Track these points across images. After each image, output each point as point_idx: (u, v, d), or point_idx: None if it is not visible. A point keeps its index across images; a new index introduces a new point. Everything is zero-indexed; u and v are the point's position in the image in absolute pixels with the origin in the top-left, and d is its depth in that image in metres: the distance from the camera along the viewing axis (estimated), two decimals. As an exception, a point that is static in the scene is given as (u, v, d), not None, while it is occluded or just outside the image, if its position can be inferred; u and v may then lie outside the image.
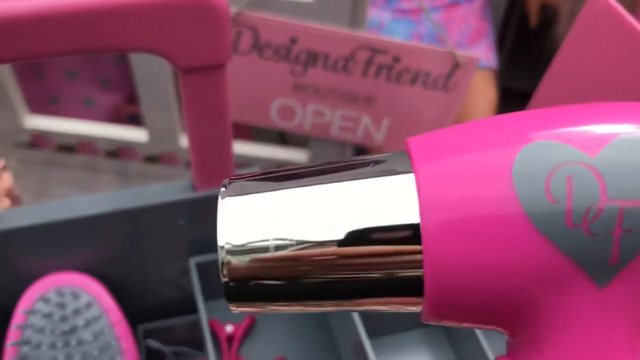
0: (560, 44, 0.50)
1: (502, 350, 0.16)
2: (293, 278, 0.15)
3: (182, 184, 0.36)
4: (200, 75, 0.30)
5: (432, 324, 0.16)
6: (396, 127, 0.48)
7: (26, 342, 0.33)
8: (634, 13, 0.43)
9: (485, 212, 0.14)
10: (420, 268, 0.14)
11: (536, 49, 0.53)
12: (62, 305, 0.34)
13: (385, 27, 0.51)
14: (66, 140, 0.51)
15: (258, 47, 0.44)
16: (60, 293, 0.34)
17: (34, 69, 0.58)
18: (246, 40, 0.44)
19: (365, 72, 0.45)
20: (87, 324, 0.34)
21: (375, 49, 0.43)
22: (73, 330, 0.33)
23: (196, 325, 0.38)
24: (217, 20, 0.28)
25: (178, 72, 0.30)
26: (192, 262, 0.36)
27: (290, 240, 0.15)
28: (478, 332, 0.33)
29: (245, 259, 0.14)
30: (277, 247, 0.14)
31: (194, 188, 0.35)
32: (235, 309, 0.16)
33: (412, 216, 0.14)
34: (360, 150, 0.52)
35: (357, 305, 0.16)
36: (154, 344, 0.38)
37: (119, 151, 0.52)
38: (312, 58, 0.44)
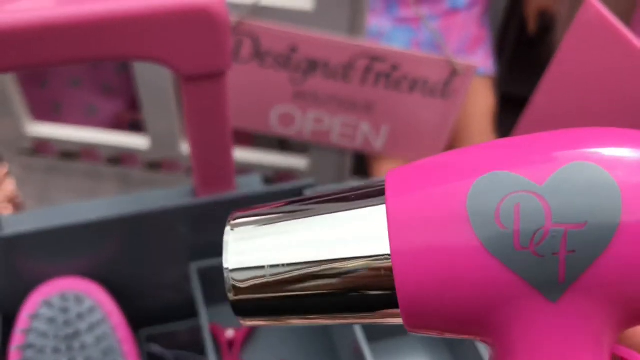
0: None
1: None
2: (286, 296, 0.18)
3: (183, 189, 0.36)
4: (201, 82, 0.30)
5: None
6: (395, 134, 0.49)
7: (30, 346, 0.33)
8: (628, 23, 0.44)
9: (444, 239, 0.16)
10: (393, 286, 0.16)
11: (535, 55, 0.53)
12: (65, 310, 0.34)
13: (385, 35, 0.51)
14: (68, 147, 0.52)
15: (258, 55, 0.45)
16: (63, 298, 0.34)
17: (37, 77, 0.59)
18: (247, 49, 0.45)
19: (364, 80, 0.45)
20: (90, 328, 0.34)
21: (374, 57, 0.44)
22: (76, 334, 0.34)
23: (197, 330, 0.39)
24: (217, 29, 0.28)
25: (179, 80, 0.30)
26: (194, 267, 0.37)
27: (282, 264, 0.18)
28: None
29: (247, 280, 0.18)
30: (272, 268, 0.18)
31: (195, 194, 0.36)
32: (243, 322, 0.19)
33: (383, 241, 0.16)
34: (360, 156, 0.53)
35: (346, 319, 0.18)
36: (156, 348, 0.38)
37: (120, 158, 0.52)
38: (311, 66, 0.45)
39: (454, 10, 0.52)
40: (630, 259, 0.15)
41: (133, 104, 0.61)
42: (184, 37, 0.28)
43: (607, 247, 0.15)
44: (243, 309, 0.18)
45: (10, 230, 0.33)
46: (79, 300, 0.35)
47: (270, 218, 0.18)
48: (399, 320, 0.17)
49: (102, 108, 0.60)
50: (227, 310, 0.39)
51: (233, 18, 0.43)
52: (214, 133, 0.32)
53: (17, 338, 0.33)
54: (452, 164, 0.17)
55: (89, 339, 0.34)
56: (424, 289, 0.16)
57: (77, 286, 0.35)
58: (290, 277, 0.18)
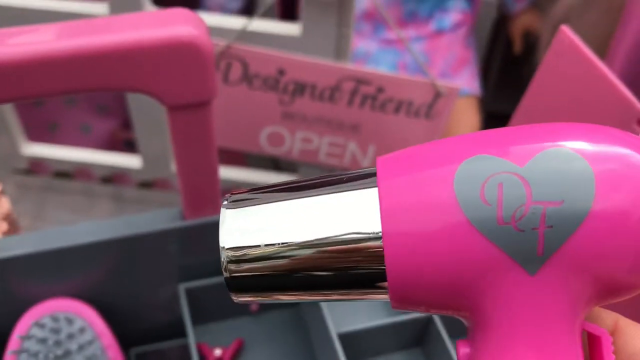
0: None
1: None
2: (281, 274, 0.19)
3: (172, 212, 0.37)
4: (186, 112, 0.31)
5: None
6: (382, 153, 0.50)
7: (21, 367, 0.34)
8: (603, 56, 0.45)
9: (434, 217, 0.17)
10: (383, 265, 0.18)
11: (520, 74, 0.55)
12: (56, 330, 0.35)
13: (372, 57, 0.53)
14: (63, 167, 0.53)
15: (247, 78, 0.46)
16: (54, 318, 0.35)
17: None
18: (236, 72, 0.46)
19: (350, 102, 0.46)
20: (81, 348, 0.35)
21: (359, 80, 0.45)
22: (67, 354, 0.35)
23: (186, 349, 0.40)
24: (203, 61, 0.29)
25: (166, 109, 0.31)
26: (182, 287, 0.37)
27: (276, 242, 0.18)
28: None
29: (241, 257, 0.18)
30: (266, 246, 0.18)
31: (183, 216, 0.37)
32: (235, 298, 0.20)
33: (375, 223, 0.18)
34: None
35: (336, 295, 0.19)
36: (145, 366, 0.39)
37: (114, 177, 0.53)
38: (299, 88, 0.46)
39: (439, 32, 0.54)
40: (602, 234, 0.16)
41: (127, 122, 0.62)
42: (170, 69, 0.29)
43: (582, 224, 0.16)
44: (237, 286, 0.19)
45: (4, 252, 0.34)
46: (69, 320, 0.36)
47: (265, 198, 0.19)
48: (385, 297, 0.18)
49: (97, 127, 0.61)
50: (215, 329, 0.40)
51: (222, 42, 0.44)
52: (200, 159, 0.33)
53: (9, 359, 0.34)
54: (440, 149, 0.18)
55: (79, 359, 0.35)
56: (413, 266, 0.17)
57: (68, 307, 0.36)
58: (285, 256, 0.18)
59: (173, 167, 0.52)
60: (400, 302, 0.18)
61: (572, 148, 0.17)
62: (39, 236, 0.37)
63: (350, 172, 0.19)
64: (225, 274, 0.19)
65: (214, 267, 0.38)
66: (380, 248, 0.18)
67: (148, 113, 0.48)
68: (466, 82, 0.54)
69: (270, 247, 0.18)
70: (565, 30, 0.33)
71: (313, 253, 0.18)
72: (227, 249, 0.19)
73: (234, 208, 0.19)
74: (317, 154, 0.50)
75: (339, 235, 0.18)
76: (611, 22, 0.47)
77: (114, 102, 0.62)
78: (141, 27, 0.29)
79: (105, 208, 0.56)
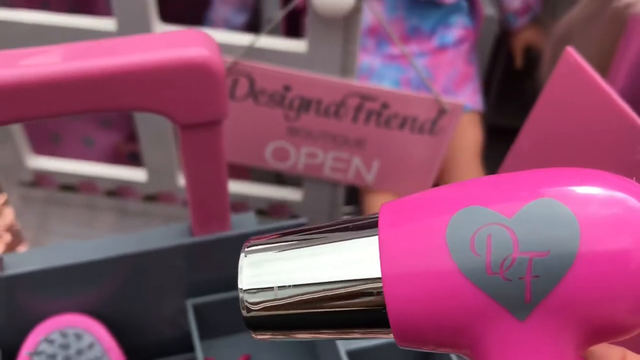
0: (542, 87, 0.52)
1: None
2: (293, 313, 0.20)
3: (180, 228, 0.38)
4: (197, 130, 0.32)
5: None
6: (386, 168, 0.50)
7: (30, 383, 0.34)
8: (605, 73, 0.45)
9: (427, 265, 0.19)
10: (384, 307, 0.19)
11: (522, 88, 0.55)
12: (65, 346, 0.35)
13: (376, 72, 0.53)
14: (68, 180, 0.53)
15: (254, 93, 0.46)
16: (63, 334, 0.36)
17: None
18: (242, 87, 0.46)
19: (355, 118, 0.47)
20: (89, 364, 0.35)
21: (364, 96, 0.46)
22: (75, 370, 0.35)
23: (193, 364, 0.40)
24: (214, 82, 0.30)
25: (177, 128, 0.32)
26: (189, 303, 0.38)
27: (288, 284, 0.20)
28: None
29: (257, 298, 0.20)
30: (279, 288, 0.20)
31: (191, 233, 0.37)
32: (254, 335, 0.21)
33: (375, 268, 0.19)
34: (353, 189, 0.54)
35: (346, 333, 0.21)
36: (152, 381, 0.39)
37: (118, 190, 0.53)
38: (305, 104, 0.47)
39: (442, 48, 0.54)
40: (588, 282, 0.17)
41: (131, 135, 0.62)
42: (182, 90, 0.30)
43: (567, 273, 0.17)
44: (255, 324, 0.21)
45: (13, 269, 0.34)
46: (78, 336, 0.36)
47: (279, 246, 0.21)
48: (390, 336, 0.20)
49: (100, 141, 0.61)
50: (222, 344, 0.40)
51: (230, 59, 0.44)
52: (210, 176, 0.34)
53: (18, 375, 0.34)
54: (435, 199, 0.20)
55: (87, 375, 0.35)
56: (410, 309, 0.19)
57: (76, 323, 0.36)
58: (296, 297, 0.20)
59: (178, 180, 0.52)
60: (404, 341, 0.20)
61: (558, 197, 0.18)
62: (47, 252, 0.37)
63: (355, 219, 0.21)
64: (244, 312, 0.20)
65: (222, 282, 0.38)
66: (381, 291, 0.19)
67: (154, 127, 0.48)
68: (469, 97, 0.55)
69: (282, 289, 0.20)
70: (571, 51, 0.34)
71: (322, 295, 0.20)
72: (245, 290, 0.20)
73: (252, 254, 0.21)
74: (321, 168, 0.50)
75: (344, 279, 0.20)
76: (613, 40, 0.47)
77: (118, 115, 0.62)
78: (155, 48, 0.29)
79: (109, 221, 0.56)
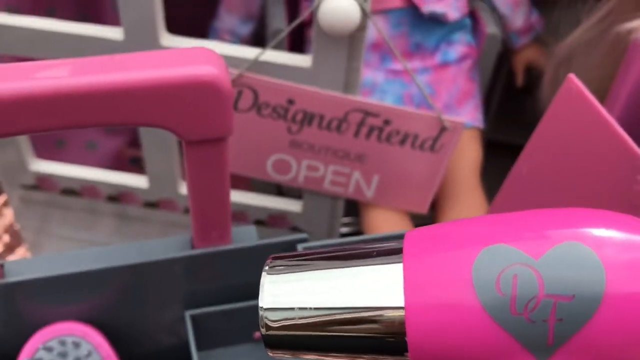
0: (542, 106, 0.53)
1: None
2: (311, 335, 0.20)
3: (181, 239, 0.38)
4: (203, 146, 0.32)
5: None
6: (386, 184, 0.50)
7: (28, 390, 0.34)
8: (605, 97, 0.46)
9: (451, 299, 0.19)
10: (404, 338, 0.19)
11: (522, 107, 0.56)
12: (63, 354, 0.36)
13: (379, 87, 0.54)
14: (70, 184, 0.53)
15: (257, 105, 0.47)
16: (62, 342, 0.36)
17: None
18: (246, 99, 0.47)
19: (357, 133, 0.47)
20: (86, 372, 0.36)
21: (367, 112, 0.46)
22: (73, 378, 0.35)
23: (189, 374, 0.40)
24: (221, 100, 0.30)
25: (183, 143, 0.32)
26: (187, 314, 0.38)
27: (309, 306, 0.20)
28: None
29: (277, 318, 0.20)
30: (300, 309, 0.20)
31: (192, 245, 0.37)
32: (271, 353, 0.21)
33: (399, 296, 0.19)
34: (352, 202, 0.54)
35: (362, 358, 0.20)
36: (148, 390, 0.40)
37: (119, 196, 0.54)
38: (308, 118, 0.47)
39: (444, 65, 0.55)
40: (611, 327, 0.17)
41: (134, 141, 0.62)
42: (190, 107, 0.30)
43: (591, 319, 0.17)
44: (272, 343, 0.21)
45: (13, 277, 0.35)
46: (76, 344, 0.36)
47: (302, 266, 0.21)
48: None
49: (103, 145, 0.61)
50: (218, 355, 0.41)
51: (235, 71, 0.45)
52: (213, 191, 0.34)
53: (16, 382, 0.35)
54: (463, 232, 0.20)
55: (85, 383, 0.35)
56: (431, 341, 0.19)
57: (75, 331, 0.36)
58: (315, 319, 0.20)
59: (179, 188, 0.52)
60: None
61: (584, 240, 0.18)
62: (47, 259, 0.37)
63: (380, 245, 0.21)
64: (263, 330, 0.21)
65: (220, 294, 0.39)
66: (403, 320, 0.19)
67: (157, 134, 0.49)
68: (469, 114, 0.55)
69: (303, 310, 0.20)
70: (573, 78, 0.34)
71: (342, 319, 0.20)
72: (265, 309, 0.20)
73: (274, 273, 0.21)
74: (322, 182, 0.51)
75: (366, 305, 0.20)
76: (614, 64, 0.48)
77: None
78: (164, 65, 0.29)
79: (109, 226, 0.56)
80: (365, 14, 0.41)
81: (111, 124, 0.30)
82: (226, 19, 0.57)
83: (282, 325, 0.20)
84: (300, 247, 0.37)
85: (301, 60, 0.45)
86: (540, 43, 0.61)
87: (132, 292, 0.37)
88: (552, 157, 0.35)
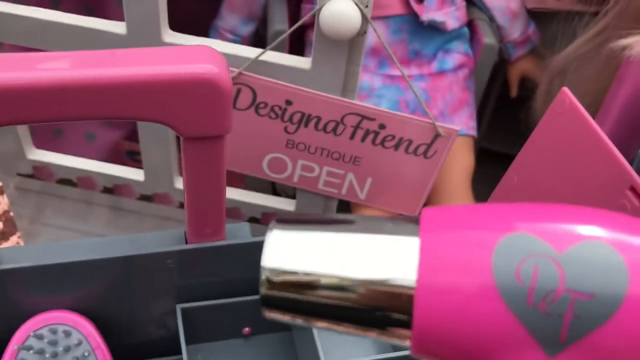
0: (535, 118, 0.53)
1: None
2: (313, 302, 0.19)
3: (175, 233, 0.39)
4: (201, 143, 0.33)
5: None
6: (379, 187, 0.51)
7: (18, 376, 0.35)
8: (597, 110, 0.47)
9: (467, 281, 0.18)
10: (411, 313, 0.18)
11: (515, 117, 0.57)
12: (54, 342, 0.36)
13: (375, 92, 0.54)
14: (66, 174, 0.54)
15: (255, 105, 0.47)
16: (52, 330, 0.36)
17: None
18: (245, 98, 0.47)
19: (353, 135, 0.48)
20: (76, 361, 0.36)
21: (363, 116, 0.47)
22: (62, 366, 0.36)
23: (177, 366, 0.41)
24: (220, 98, 0.31)
25: (181, 139, 0.33)
26: (178, 307, 0.39)
27: (313, 272, 0.19)
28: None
29: (279, 278, 0.20)
30: (304, 274, 0.19)
31: (185, 240, 0.38)
32: (267, 314, 0.21)
33: (412, 272, 0.18)
34: (345, 204, 0.55)
35: (362, 331, 0.20)
36: (136, 381, 0.40)
37: (115, 188, 0.54)
38: (305, 119, 0.48)
39: (441, 73, 0.56)
40: (627, 332, 0.17)
41: (132, 134, 0.63)
42: (190, 104, 0.31)
43: (608, 320, 0.17)
44: (269, 304, 0.20)
45: (6, 264, 0.35)
46: (67, 333, 0.37)
47: (310, 227, 0.20)
48: (407, 342, 0.19)
49: (102, 136, 0.62)
50: (207, 349, 0.41)
51: (235, 70, 0.45)
52: (209, 188, 0.35)
53: (7, 367, 0.35)
54: (485, 215, 0.19)
55: (74, 371, 0.36)
56: (438, 322, 0.18)
57: (66, 320, 0.37)
58: (320, 286, 0.19)
59: (175, 182, 0.53)
60: (420, 350, 0.19)
61: (609, 241, 0.18)
62: (41, 248, 0.38)
63: (393, 216, 0.20)
64: (261, 290, 0.20)
65: (211, 289, 0.39)
66: (412, 296, 0.18)
67: (155, 129, 0.49)
68: (464, 122, 0.56)
69: (307, 275, 0.19)
70: (567, 91, 0.35)
71: (348, 288, 0.19)
72: (267, 268, 0.20)
73: (281, 230, 0.20)
74: (316, 182, 0.51)
75: (375, 277, 0.19)
76: (607, 79, 0.49)
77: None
78: (166, 62, 0.30)
79: (103, 217, 0.57)
80: (365, 19, 0.42)
81: (111, 117, 0.30)
82: (228, 18, 0.57)
83: (283, 286, 0.19)
84: (292, 246, 0.38)
85: (301, 62, 0.46)
86: (537, 55, 0.62)
87: (124, 284, 0.37)
88: (543, 168, 0.36)
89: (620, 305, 0.17)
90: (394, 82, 0.54)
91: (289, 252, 0.20)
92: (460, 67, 0.56)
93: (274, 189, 0.61)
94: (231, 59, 0.45)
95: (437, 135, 0.47)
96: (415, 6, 0.53)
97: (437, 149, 0.48)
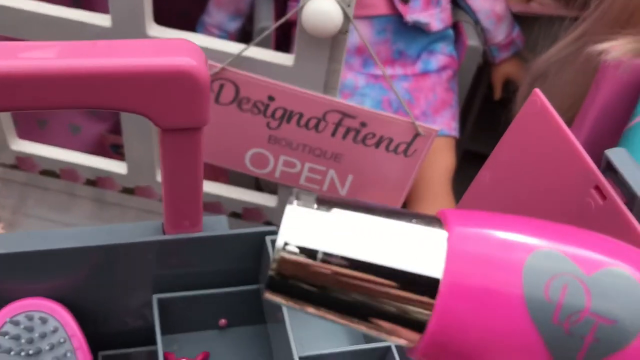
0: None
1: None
2: (327, 287, 0.18)
3: (153, 225, 0.39)
4: (178, 134, 0.33)
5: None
6: (359, 184, 0.52)
7: (-8, 362, 0.35)
8: (574, 114, 0.48)
9: (495, 285, 0.18)
10: (430, 313, 0.18)
11: (499, 119, 0.57)
12: (30, 329, 0.36)
13: (359, 90, 0.55)
14: (50, 166, 0.54)
15: (238, 100, 0.48)
16: (29, 317, 0.37)
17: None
18: (228, 93, 0.48)
19: (334, 133, 0.49)
20: (52, 348, 0.36)
21: (344, 113, 0.47)
22: (37, 353, 0.36)
23: (152, 356, 0.41)
24: (197, 90, 0.31)
25: (158, 130, 0.33)
26: (155, 298, 0.39)
27: (337, 254, 0.18)
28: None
29: (294, 258, 0.18)
30: (325, 255, 0.18)
31: (163, 231, 0.38)
32: (269, 297, 0.19)
33: (437, 267, 0.18)
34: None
35: (365, 326, 0.19)
36: (111, 370, 0.41)
37: (98, 180, 0.55)
38: (287, 115, 0.48)
39: (425, 73, 0.56)
40: None
41: (116, 127, 0.63)
42: (167, 96, 0.31)
43: (625, 348, 0.17)
44: (277, 285, 0.18)
45: (-14, 250, 0.35)
46: (43, 320, 0.37)
47: (335, 204, 0.18)
48: (412, 344, 0.19)
49: (87, 128, 0.62)
50: (182, 340, 0.42)
51: (218, 65, 0.46)
52: (186, 179, 0.35)
53: (-19, 353, 0.35)
54: (519, 224, 0.19)
55: (49, 358, 0.36)
56: (457, 323, 0.18)
57: (43, 307, 0.37)
58: (338, 270, 0.18)
59: (157, 176, 0.53)
60: (425, 354, 0.18)
61: (631, 273, 0.18)
62: (20, 237, 0.38)
63: (415, 212, 0.19)
64: (271, 271, 0.18)
65: (188, 281, 0.40)
66: (435, 292, 0.18)
67: (138, 122, 0.50)
68: (446, 123, 0.57)
69: (328, 257, 0.18)
70: (538, 93, 0.36)
71: (365, 276, 0.18)
72: (282, 245, 0.18)
73: (301, 206, 0.18)
74: (298, 178, 0.52)
75: (398, 265, 0.18)
76: (586, 82, 0.50)
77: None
78: (144, 53, 0.30)
79: (86, 209, 0.57)
80: (347, 18, 0.43)
81: (89, 107, 0.31)
82: (215, 14, 0.58)
83: (299, 267, 0.17)
84: (269, 240, 0.39)
85: (284, 59, 0.46)
86: (520, 58, 0.63)
87: (101, 273, 0.38)
88: (514, 167, 0.37)
89: (638, 334, 0.17)
90: (378, 81, 0.55)
91: (310, 228, 0.18)
92: (443, 68, 0.57)
93: (258, 185, 0.62)
94: (215, 54, 0.46)
95: (417, 135, 0.48)
96: (400, 7, 0.54)
97: (417, 148, 0.49)
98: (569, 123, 0.51)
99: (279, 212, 0.55)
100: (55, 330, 0.37)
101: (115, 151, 0.64)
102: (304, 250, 0.18)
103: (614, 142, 0.48)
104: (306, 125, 0.49)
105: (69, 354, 0.37)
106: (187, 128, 0.33)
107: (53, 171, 0.55)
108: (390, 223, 0.18)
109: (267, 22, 0.55)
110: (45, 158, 0.54)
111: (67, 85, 0.30)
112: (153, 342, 0.40)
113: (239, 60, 0.46)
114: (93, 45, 0.31)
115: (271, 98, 0.47)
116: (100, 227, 0.38)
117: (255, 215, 0.56)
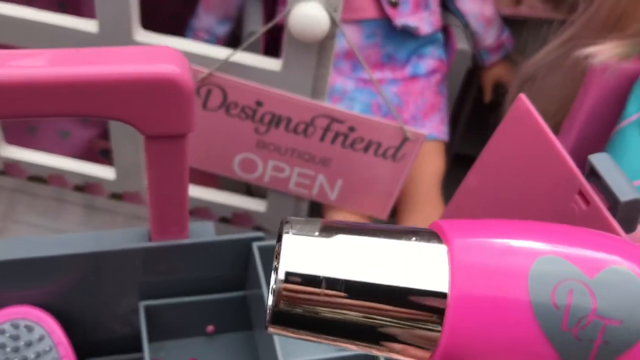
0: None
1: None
2: (333, 315, 0.18)
3: (139, 232, 0.39)
4: (163, 142, 0.33)
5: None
6: (349, 188, 0.52)
7: (-23, 371, 0.35)
8: (562, 118, 0.48)
9: (502, 295, 0.17)
10: (440, 328, 0.18)
11: (489, 122, 0.57)
12: (15, 337, 0.36)
13: (348, 95, 0.55)
14: (38, 172, 0.54)
15: (226, 105, 0.48)
16: (15, 325, 0.36)
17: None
18: (215, 98, 0.48)
19: (323, 137, 0.49)
20: (37, 356, 0.36)
21: (333, 118, 0.47)
22: (23, 361, 0.36)
23: (140, 363, 0.41)
24: (181, 98, 0.31)
25: (143, 137, 0.33)
26: (141, 305, 0.39)
27: (340, 279, 0.17)
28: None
29: (297, 288, 0.17)
30: (327, 281, 0.17)
31: (149, 238, 0.38)
32: (274, 331, 0.18)
33: (443, 282, 0.17)
34: (316, 205, 0.56)
35: (381, 351, 0.18)
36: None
37: (87, 186, 0.54)
38: (275, 120, 0.48)
39: (414, 77, 0.56)
40: None
41: (105, 132, 0.63)
42: (151, 103, 0.31)
43: (633, 347, 0.18)
44: (282, 319, 0.18)
45: (-30, 258, 0.35)
46: (29, 328, 0.37)
47: (329, 229, 0.18)
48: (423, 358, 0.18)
49: (76, 134, 0.62)
50: (170, 347, 0.41)
51: (205, 70, 0.46)
52: (172, 186, 0.35)
53: (-34, 362, 0.35)
54: (519, 231, 0.19)
55: (34, 366, 0.36)
56: (467, 336, 0.17)
57: (29, 315, 0.37)
58: (343, 295, 0.17)
59: (145, 182, 0.53)
60: None
61: (632, 270, 0.18)
62: (7, 244, 0.38)
63: (409, 227, 0.19)
64: (274, 303, 0.17)
65: (174, 287, 0.40)
66: (442, 308, 0.17)
67: (126, 128, 0.49)
68: (435, 127, 0.57)
69: (331, 282, 0.17)
70: (523, 98, 0.36)
71: (371, 299, 0.18)
72: (283, 276, 0.17)
73: (297, 234, 0.18)
74: (287, 183, 0.52)
75: (404, 284, 0.18)
76: (574, 86, 0.50)
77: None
78: (128, 61, 0.30)
79: (75, 215, 0.57)
80: (334, 23, 0.43)
81: (73, 115, 0.31)
82: (204, 18, 0.58)
83: (301, 297, 0.17)
84: (255, 246, 0.39)
85: (271, 64, 0.46)
86: (510, 61, 0.63)
87: (87, 280, 0.38)
88: (500, 171, 0.37)
89: None
90: (367, 85, 0.55)
91: (309, 256, 0.17)
92: (433, 72, 0.57)
93: (249, 190, 0.62)
94: (203, 60, 0.46)
95: (405, 139, 0.48)
96: (389, 10, 0.54)
97: (406, 152, 0.49)
98: (557, 126, 0.51)
99: (268, 216, 0.55)
100: (41, 339, 0.37)
101: (105, 157, 0.64)
102: (306, 279, 0.17)
103: (602, 145, 0.49)
104: (294, 130, 0.49)
105: (54, 362, 0.36)
106: (171, 135, 0.33)
107: (41, 177, 0.54)
108: (389, 243, 0.18)
109: (256, 27, 0.55)
110: (33, 164, 0.53)
111: (50, 93, 0.30)
112: (140, 349, 0.40)
113: (227, 65, 0.46)
114: (76, 53, 0.31)
115: (259, 103, 0.47)
116: (85, 234, 0.38)
117: (244, 220, 0.55)
